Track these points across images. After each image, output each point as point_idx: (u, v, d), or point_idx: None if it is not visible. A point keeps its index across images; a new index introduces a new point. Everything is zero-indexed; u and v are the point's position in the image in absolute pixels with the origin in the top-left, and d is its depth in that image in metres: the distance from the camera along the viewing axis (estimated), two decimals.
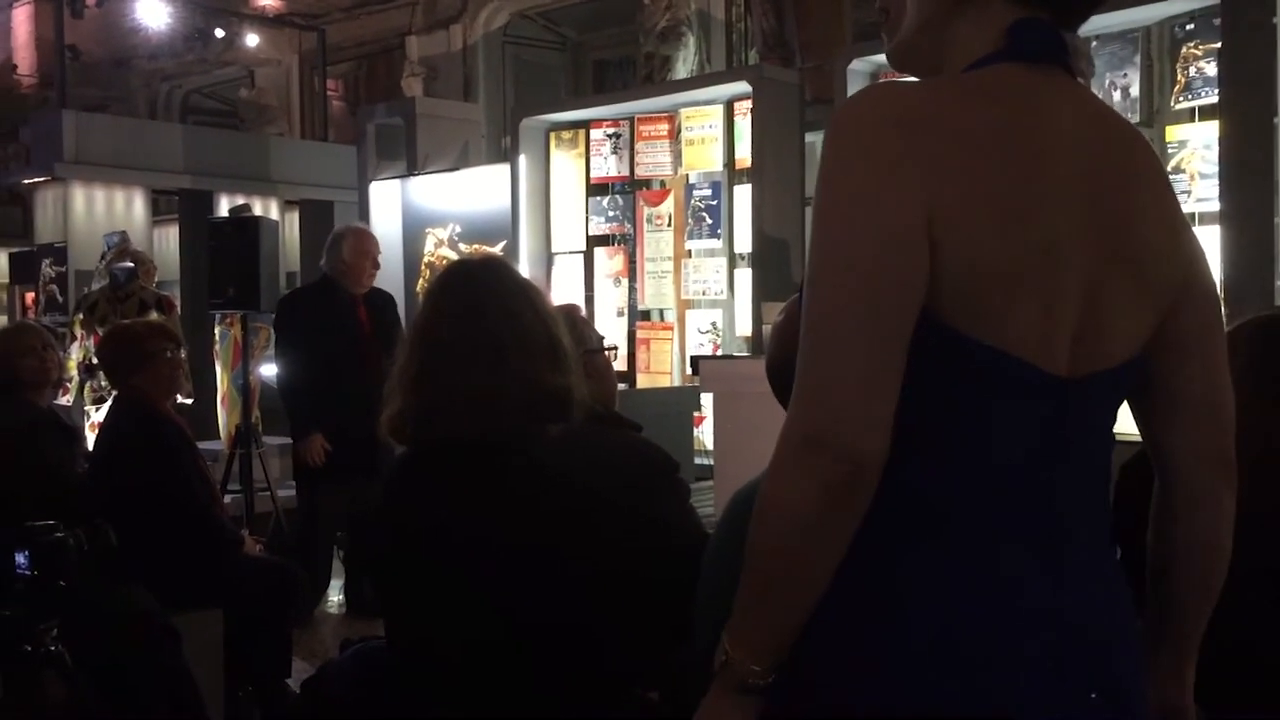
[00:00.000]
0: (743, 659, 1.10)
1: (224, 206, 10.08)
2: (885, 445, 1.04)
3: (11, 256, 13.52)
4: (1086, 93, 1.17)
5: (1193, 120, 5.79)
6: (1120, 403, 1.20)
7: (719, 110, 8.01)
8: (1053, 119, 1.11)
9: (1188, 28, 5.75)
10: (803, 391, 1.05)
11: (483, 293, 1.96)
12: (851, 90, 7.01)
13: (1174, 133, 5.88)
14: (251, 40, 13.38)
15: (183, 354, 4.16)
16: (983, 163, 1.06)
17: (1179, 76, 5.77)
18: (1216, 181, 5.49)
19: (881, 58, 6.97)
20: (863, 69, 7.05)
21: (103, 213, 10.38)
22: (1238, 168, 5.37)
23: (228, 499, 5.54)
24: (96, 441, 4.18)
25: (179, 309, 7.70)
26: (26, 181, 10.87)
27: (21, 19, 17.39)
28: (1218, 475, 1.24)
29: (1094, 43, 6.20)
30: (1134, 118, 6.03)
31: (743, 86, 7.76)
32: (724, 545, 1.73)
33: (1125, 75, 5.99)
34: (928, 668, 1.05)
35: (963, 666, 1.05)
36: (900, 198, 1.03)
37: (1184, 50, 5.74)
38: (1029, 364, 1.08)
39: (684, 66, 9.64)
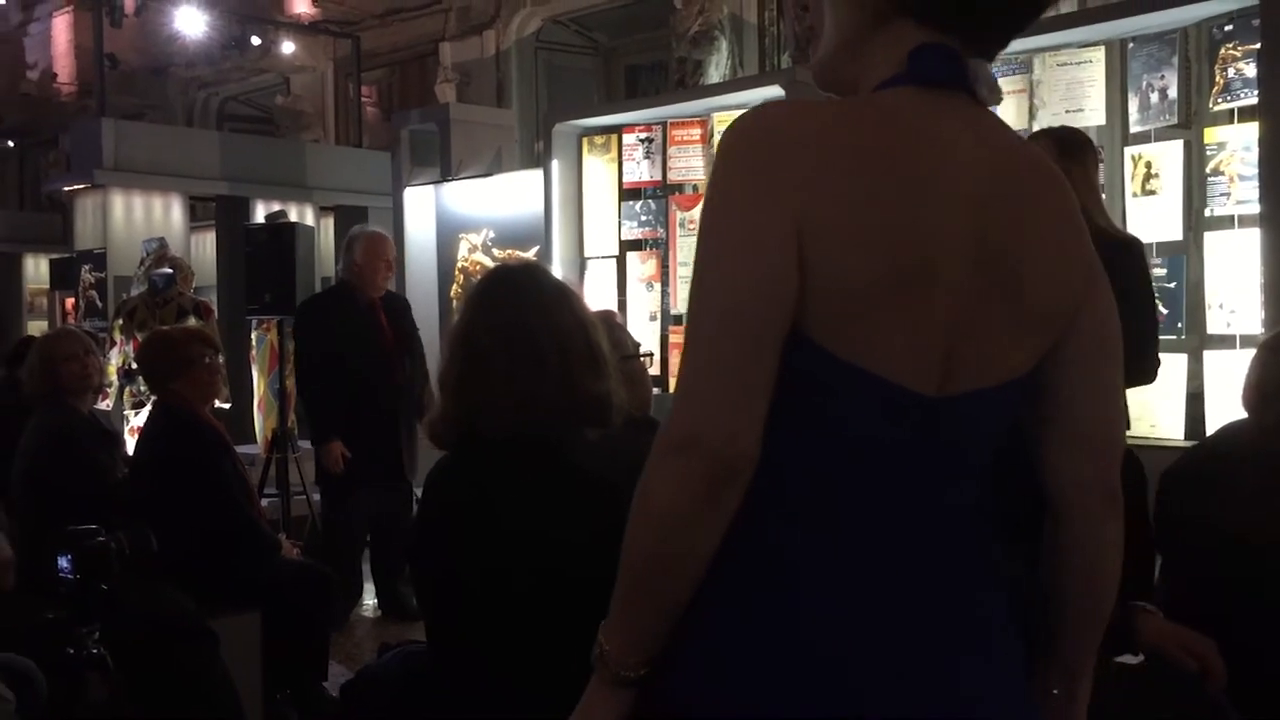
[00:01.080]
0: (616, 653, 1.14)
1: (260, 212, 10.16)
2: (753, 448, 1.07)
3: (52, 263, 13.70)
4: (990, 119, 1.18)
5: (1232, 122, 5.73)
6: (1006, 421, 1.20)
7: None
8: (945, 144, 1.11)
9: (1226, 29, 5.69)
10: (677, 395, 1.10)
11: (523, 299, 1.97)
12: None
13: (1213, 134, 5.83)
14: (287, 48, 13.50)
15: (220, 359, 4.21)
16: (858, 183, 1.07)
17: (1217, 78, 5.72)
18: (1256, 184, 5.43)
19: None
20: None
21: (141, 219, 10.49)
22: (1278, 169, 5.31)
23: (265, 503, 5.58)
24: (136, 446, 4.22)
25: (216, 314, 7.78)
26: (66, 189, 11.00)
27: (61, 28, 17.63)
28: (1108, 507, 1.24)
29: (1131, 44, 6.15)
30: (1172, 120, 5.97)
31: (775, 90, 7.74)
32: None
33: (1163, 77, 5.93)
34: (785, 670, 1.08)
35: (820, 676, 1.08)
36: (769, 212, 1.06)
37: (1222, 51, 5.68)
38: (893, 383, 1.09)
39: (716, 71, 9.64)
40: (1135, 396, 6.09)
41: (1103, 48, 6.28)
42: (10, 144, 18.55)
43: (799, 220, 1.06)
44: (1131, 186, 6.10)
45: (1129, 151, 6.18)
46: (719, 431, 1.06)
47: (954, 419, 1.13)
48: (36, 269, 15.50)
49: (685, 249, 8.31)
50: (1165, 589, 2.03)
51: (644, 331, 8.15)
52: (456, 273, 8.65)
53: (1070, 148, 2.93)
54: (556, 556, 1.82)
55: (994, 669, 1.16)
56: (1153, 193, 5.97)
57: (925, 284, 1.08)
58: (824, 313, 1.07)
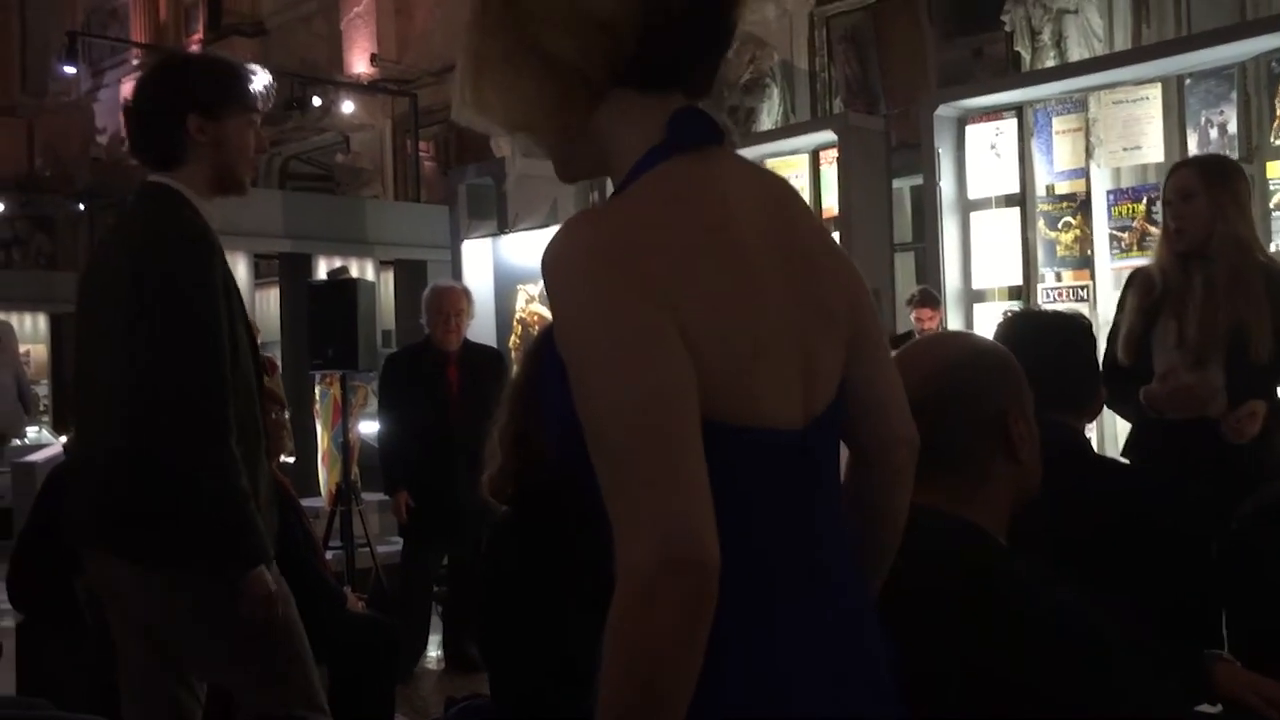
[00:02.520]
0: None
1: (323, 268, 10.34)
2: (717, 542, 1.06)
3: None
4: (736, 161, 1.25)
5: None
6: (840, 424, 1.29)
7: (805, 160, 8.02)
8: (729, 202, 1.18)
9: None
10: (634, 524, 1.05)
11: None
12: (939, 134, 6.97)
13: (1275, 169, 5.75)
14: (347, 107, 13.78)
15: (286, 415, 4.27)
16: (699, 268, 1.12)
17: (1278, 111, 5.65)
18: None
19: (968, 101, 6.96)
20: (949, 114, 7.01)
21: None
22: None
23: (329, 555, 5.65)
24: None
25: (280, 369, 7.91)
26: None
27: (129, 93, 18.15)
28: (911, 455, 1.35)
29: (1188, 81, 6.10)
30: (1233, 154, 5.90)
31: (828, 135, 7.77)
32: None
33: (1222, 112, 5.87)
34: (753, 696, 1.13)
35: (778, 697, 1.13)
36: (655, 317, 1.08)
37: None
38: (779, 430, 1.16)
39: (769, 117, 9.69)
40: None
41: (1159, 85, 6.23)
42: (81, 207, 19.06)
43: (677, 322, 1.09)
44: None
45: None
46: (706, 540, 1.05)
47: (819, 439, 1.22)
48: None
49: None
50: (1237, 638, 1.98)
51: None
52: (515, 324, 8.72)
53: (1215, 175, 2.94)
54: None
55: (879, 660, 1.25)
56: None
57: (775, 333, 1.17)
58: (711, 391, 1.10)
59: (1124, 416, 3.13)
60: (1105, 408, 3.21)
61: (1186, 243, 2.90)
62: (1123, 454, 3.12)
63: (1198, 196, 2.91)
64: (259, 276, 12.00)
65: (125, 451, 2.28)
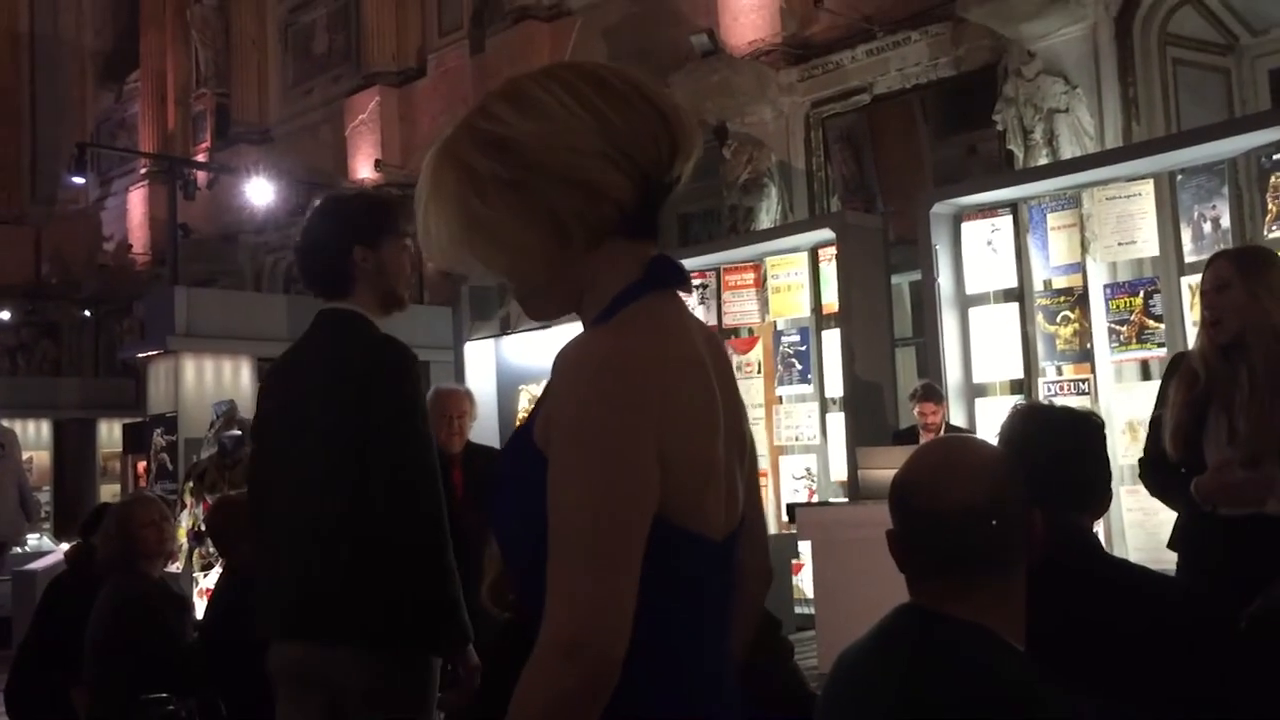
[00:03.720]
0: None
1: None
2: (627, 644, 1.22)
3: (125, 427, 14.05)
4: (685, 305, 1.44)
5: None
6: None
7: (803, 257, 8.12)
8: (693, 335, 1.37)
9: (1275, 158, 5.72)
10: (566, 598, 1.22)
11: None
12: (936, 231, 7.06)
13: None
14: None
15: None
16: (682, 384, 1.30)
17: (1270, 205, 5.73)
18: None
19: (964, 198, 7.04)
20: (945, 211, 7.11)
21: (211, 381, 10.77)
22: None
23: None
24: (206, 610, 4.26)
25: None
26: (140, 355, 11.34)
27: (136, 201, 18.44)
28: (765, 588, 1.56)
29: (1179, 176, 6.19)
30: (1226, 247, 5.96)
31: (826, 233, 7.86)
32: (831, 706, 1.70)
33: (1214, 207, 5.95)
34: None
35: None
36: (642, 439, 1.25)
37: (1273, 179, 5.70)
38: (716, 540, 1.34)
39: (767, 216, 9.81)
40: None
41: (1151, 181, 6.33)
42: (87, 313, 19.22)
43: (659, 440, 1.26)
44: (1191, 315, 6.05)
45: (1185, 281, 6.16)
46: (609, 635, 1.21)
47: (732, 549, 1.38)
48: (110, 433, 15.90)
49: (743, 393, 8.33)
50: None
51: None
52: (516, 424, 8.73)
53: (1250, 266, 2.95)
54: None
55: None
56: None
57: (719, 458, 1.34)
58: (678, 499, 1.28)
59: (1171, 507, 3.11)
60: (1156, 499, 3.21)
61: (1224, 334, 2.89)
62: (1169, 547, 3.10)
63: (1233, 287, 2.90)
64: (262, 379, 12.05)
65: (343, 550, 2.45)
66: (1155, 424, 3.08)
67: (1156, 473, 3.07)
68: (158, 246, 17.07)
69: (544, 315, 1.41)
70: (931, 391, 6.64)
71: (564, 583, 1.23)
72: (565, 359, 1.30)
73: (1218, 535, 2.76)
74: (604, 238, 1.34)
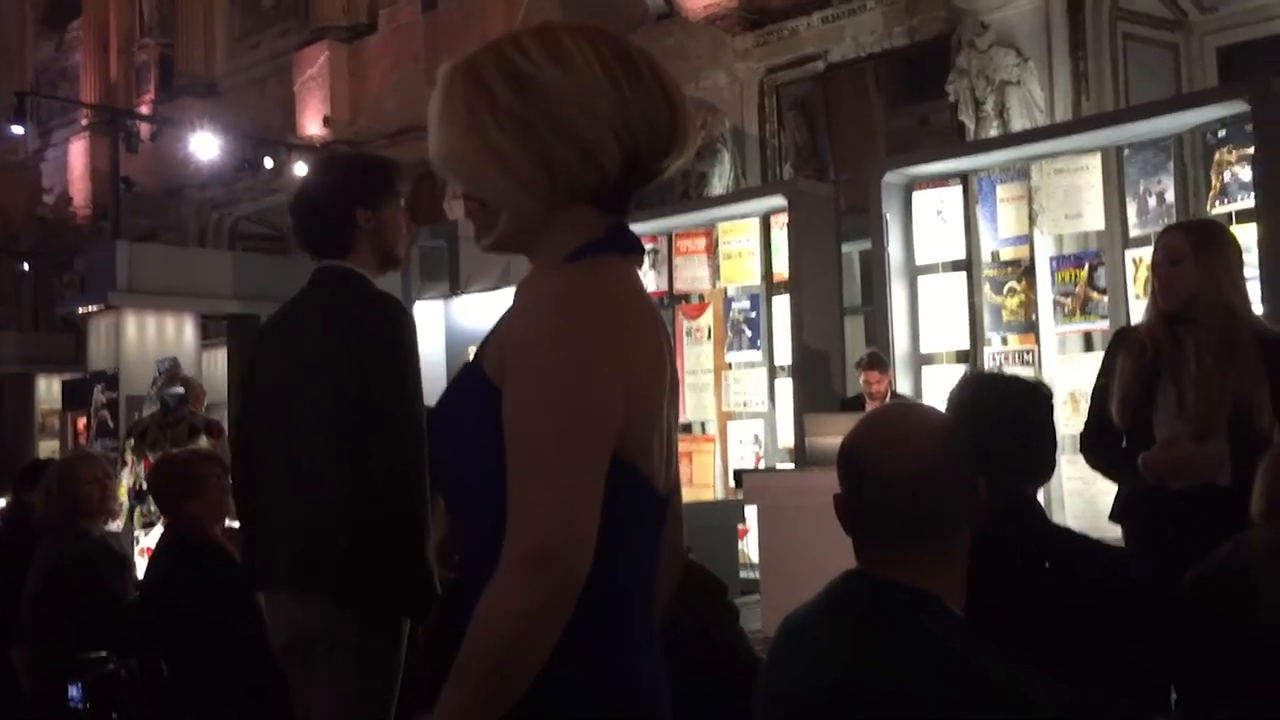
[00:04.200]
0: None
1: None
2: (591, 555, 1.26)
3: (64, 384, 13.81)
4: None
5: (1230, 224, 5.80)
6: None
7: (755, 224, 8.13)
8: (648, 298, 1.46)
9: (1220, 134, 5.80)
10: (534, 510, 1.25)
11: None
12: (887, 200, 7.09)
13: None
14: (299, 168, 13.77)
15: (230, 480, 4.20)
16: (642, 340, 1.37)
17: (1214, 181, 5.81)
18: (1258, 284, 5.47)
19: (915, 169, 7.08)
20: (896, 181, 7.14)
21: (154, 338, 10.60)
22: (1278, 271, 5.36)
23: None
24: (147, 570, 4.20)
25: (228, 432, 7.80)
26: (80, 310, 11.14)
27: (77, 153, 18.03)
28: (678, 567, 1.59)
29: (1126, 151, 6.26)
30: (1170, 223, 6.05)
31: (778, 200, 7.88)
32: (777, 671, 1.71)
33: (1159, 182, 6.03)
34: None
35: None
36: (610, 366, 1.30)
37: (1217, 156, 5.78)
38: (657, 489, 1.39)
39: (719, 182, 9.81)
40: None
41: (1099, 155, 6.39)
42: (25, 267, 18.82)
43: (626, 377, 1.32)
44: (1134, 289, 6.15)
45: (1130, 255, 6.25)
46: (576, 549, 1.24)
47: (665, 514, 1.44)
48: (49, 390, 15.60)
49: (692, 358, 8.37)
50: (1189, 703, 2.00)
51: None
52: None
53: (1204, 240, 2.96)
54: None
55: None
56: None
57: (663, 417, 1.39)
58: (632, 437, 1.33)
59: (1114, 480, 3.11)
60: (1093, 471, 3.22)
61: (1174, 306, 2.88)
62: (1111, 518, 3.11)
63: (1186, 260, 2.89)
64: (207, 337, 11.89)
65: (341, 502, 2.46)
66: (1098, 396, 3.07)
67: (1098, 446, 3.07)
68: (99, 200, 16.72)
69: (490, 246, 1.44)
70: (876, 360, 6.70)
71: (530, 495, 1.25)
72: (533, 288, 1.36)
73: (1167, 509, 2.76)
74: (579, 200, 1.39)
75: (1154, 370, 2.90)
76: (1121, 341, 3.07)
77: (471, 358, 1.44)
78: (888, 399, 6.53)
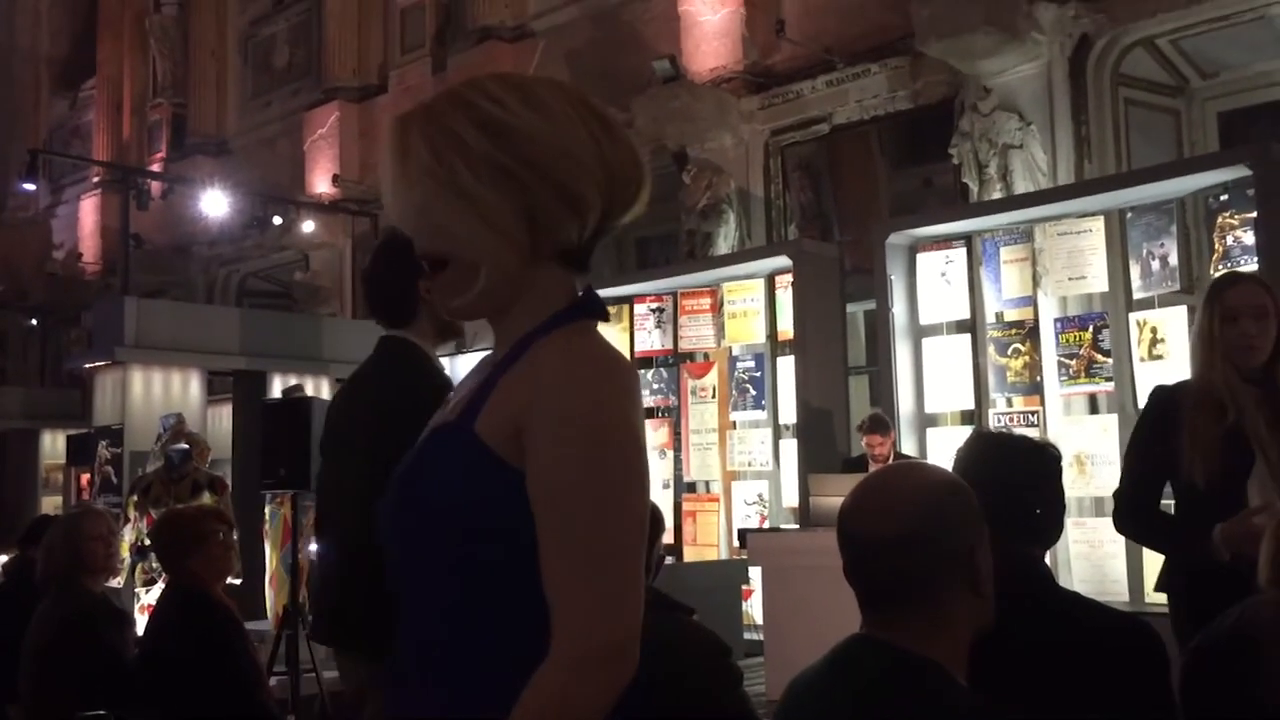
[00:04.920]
0: None
1: (278, 385, 10.28)
2: None
3: (69, 439, 13.80)
4: None
5: None
6: None
7: (760, 284, 8.16)
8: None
9: (1222, 198, 5.84)
10: (602, 599, 1.19)
11: None
12: (891, 261, 7.13)
13: None
14: (307, 226, 13.86)
15: (234, 535, 4.20)
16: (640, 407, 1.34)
17: (1216, 245, 5.84)
18: None
19: (920, 230, 7.12)
20: (901, 242, 7.18)
21: (160, 394, 10.61)
22: None
23: (273, 681, 5.48)
24: (148, 627, 4.18)
25: (231, 489, 7.79)
26: (87, 365, 11.17)
27: (88, 210, 18.19)
28: None
29: (1129, 214, 6.30)
30: (1174, 286, 6.07)
31: (783, 260, 7.92)
32: None
33: (1162, 245, 6.06)
34: None
35: None
36: (644, 457, 1.28)
37: (1220, 220, 5.82)
38: None
39: (725, 242, 9.86)
40: (1156, 562, 6.02)
41: (1101, 218, 6.44)
42: (34, 322, 18.89)
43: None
44: (1139, 351, 6.16)
45: (1134, 317, 6.27)
46: (636, 635, 1.21)
47: None
48: (54, 445, 15.60)
49: (697, 417, 8.37)
50: None
51: (657, 498, 8.10)
52: None
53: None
54: None
55: None
56: (1160, 357, 6.03)
57: None
58: None
59: (1156, 550, 2.91)
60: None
61: (1255, 361, 2.66)
62: (1158, 589, 2.91)
63: (1271, 316, 2.68)
64: (212, 392, 11.90)
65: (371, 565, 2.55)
66: (1137, 459, 2.88)
67: (1138, 512, 2.88)
68: (109, 256, 16.83)
69: (468, 310, 1.36)
70: (878, 423, 6.70)
71: (596, 583, 1.19)
72: (562, 353, 1.28)
73: (1234, 585, 2.30)
74: (553, 256, 1.34)
75: (1238, 432, 2.66)
76: (1167, 403, 2.82)
77: (445, 422, 1.34)
78: (890, 461, 6.51)
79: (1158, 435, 2.81)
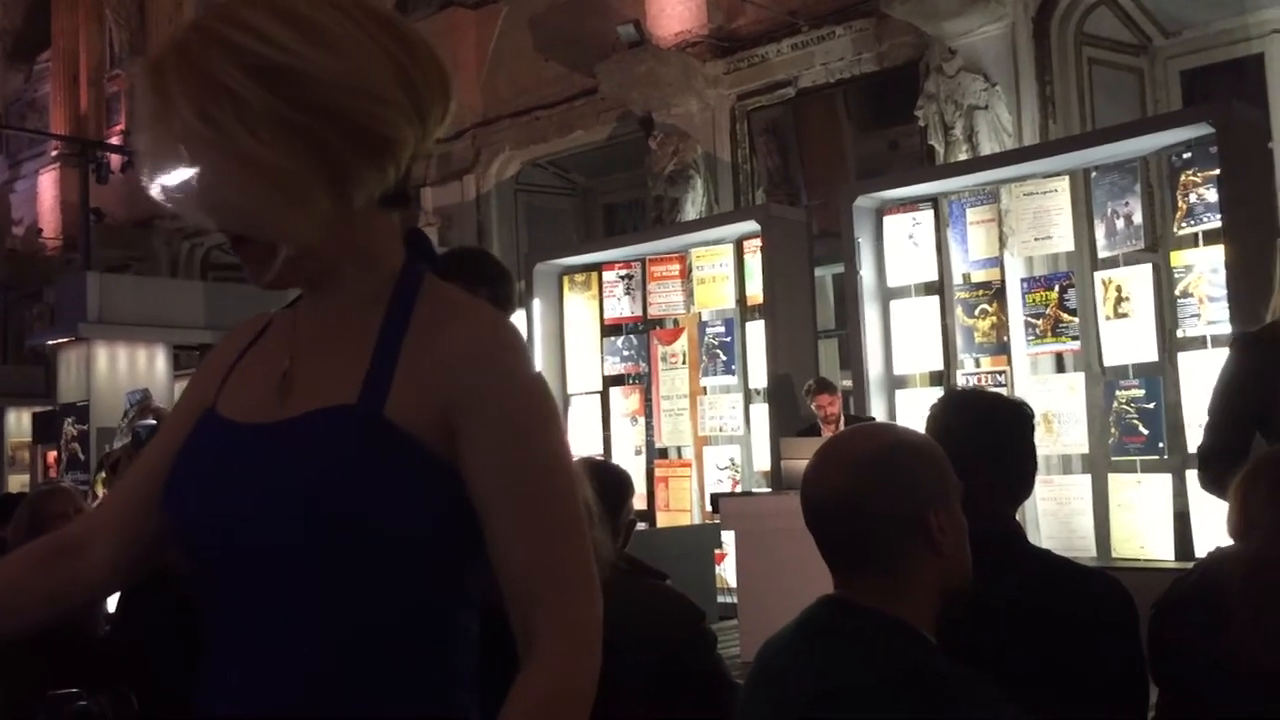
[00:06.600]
0: None
1: None
2: None
3: (34, 416, 13.67)
4: None
5: (1197, 245, 5.86)
6: None
7: (729, 249, 8.16)
8: None
9: (1185, 156, 5.87)
10: (576, 573, 1.13)
11: None
12: (859, 224, 7.14)
13: (1179, 258, 5.96)
14: None
15: None
16: None
17: (1180, 203, 5.87)
18: (1225, 304, 5.53)
19: (886, 192, 7.13)
20: (868, 205, 7.19)
21: (125, 370, 10.52)
22: (1245, 291, 5.41)
23: None
24: (118, 603, 4.16)
25: None
26: (50, 342, 11.05)
27: (47, 184, 17.92)
28: None
29: (1094, 173, 6.33)
30: (1138, 244, 6.12)
31: (751, 225, 7.91)
32: (754, 696, 1.71)
33: (1127, 204, 6.09)
34: None
35: None
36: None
37: (1183, 178, 5.85)
38: None
39: (692, 208, 9.85)
40: (1123, 517, 6.11)
41: (1066, 177, 6.46)
42: None
43: None
44: (1104, 310, 6.21)
45: (1099, 276, 6.31)
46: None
47: None
48: (19, 422, 15.43)
49: (668, 383, 8.37)
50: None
51: (628, 465, 8.12)
52: None
53: None
54: None
55: None
56: (1125, 315, 6.08)
57: None
58: None
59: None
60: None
61: None
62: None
63: None
64: (179, 367, 11.80)
65: None
66: (1226, 412, 2.70)
67: (1223, 464, 2.56)
68: (69, 231, 16.62)
69: (281, 282, 1.16)
70: (824, 384, 6.79)
71: (577, 567, 1.13)
72: (469, 324, 1.14)
73: None
74: (366, 206, 1.13)
75: None
76: (1263, 344, 2.64)
77: (340, 406, 1.12)
78: (842, 421, 6.57)
79: (1260, 380, 2.59)
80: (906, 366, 7.15)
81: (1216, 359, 5.60)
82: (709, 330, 8.22)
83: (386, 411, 1.11)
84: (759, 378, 7.84)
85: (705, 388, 8.25)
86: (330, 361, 1.16)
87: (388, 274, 1.18)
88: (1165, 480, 5.88)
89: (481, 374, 1.12)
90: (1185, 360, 5.93)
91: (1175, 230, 5.95)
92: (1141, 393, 6.00)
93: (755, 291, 7.90)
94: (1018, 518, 2.10)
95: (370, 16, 1.10)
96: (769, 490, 7.05)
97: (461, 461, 1.12)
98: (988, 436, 1.98)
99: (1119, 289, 6.08)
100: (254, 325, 1.31)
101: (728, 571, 6.96)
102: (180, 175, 1.06)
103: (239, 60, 1.04)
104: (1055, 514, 6.29)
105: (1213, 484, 2.67)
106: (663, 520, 8.16)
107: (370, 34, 1.09)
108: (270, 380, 1.18)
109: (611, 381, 8.63)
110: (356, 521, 1.08)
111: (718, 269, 8.20)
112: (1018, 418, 2.06)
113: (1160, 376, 6.02)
